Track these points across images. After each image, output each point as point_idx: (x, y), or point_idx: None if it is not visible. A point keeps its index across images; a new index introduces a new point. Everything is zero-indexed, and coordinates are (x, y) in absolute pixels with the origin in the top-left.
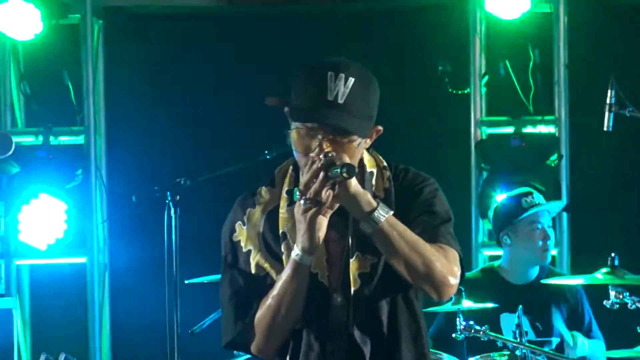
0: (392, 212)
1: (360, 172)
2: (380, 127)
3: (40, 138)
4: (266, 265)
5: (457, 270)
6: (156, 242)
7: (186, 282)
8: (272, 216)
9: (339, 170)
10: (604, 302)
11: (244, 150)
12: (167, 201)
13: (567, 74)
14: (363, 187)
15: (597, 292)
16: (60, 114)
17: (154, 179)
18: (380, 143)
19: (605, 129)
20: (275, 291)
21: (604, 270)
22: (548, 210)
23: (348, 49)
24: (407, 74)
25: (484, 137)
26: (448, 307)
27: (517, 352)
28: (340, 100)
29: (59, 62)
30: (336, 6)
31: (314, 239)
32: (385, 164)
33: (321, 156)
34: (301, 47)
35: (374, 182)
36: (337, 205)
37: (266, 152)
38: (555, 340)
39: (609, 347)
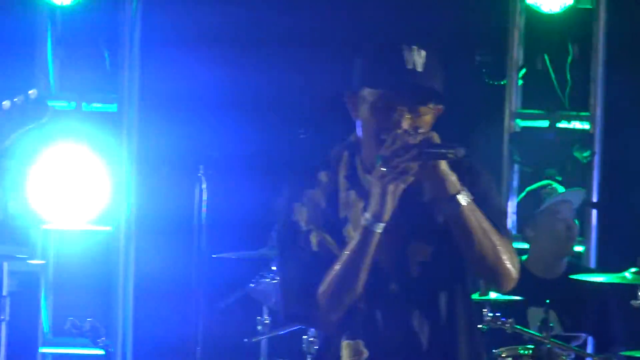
0: (472, 198)
1: None
2: (440, 106)
3: (73, 104)
4: (329, 245)
5: (518, 263)
6: (185, 214)
7: (214, 256)
8: (332, 200)
9: (443, 150)
10: (632, 301)
11: (278, 128)
12: (199, 174)
13: (605, 71)
14: None
15: (625, 292)
16: (94, 80)
17: (185, 152)
18: None
19: None
20: (341, 260)
21: (633, 270)
22: (570, 202)
23: (385, 34)
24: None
25: (517, 129)
26: (475, 297)
27: (542, 347)
28: (420, 69)
29: (96, 29)
30: None
31: (386, 205)
32: None
33: (416, 134)
34: (340, 27)
35: None
36: (411, 179)
37: (301, 131)
38: (583, 336)
39: (635, 347)
